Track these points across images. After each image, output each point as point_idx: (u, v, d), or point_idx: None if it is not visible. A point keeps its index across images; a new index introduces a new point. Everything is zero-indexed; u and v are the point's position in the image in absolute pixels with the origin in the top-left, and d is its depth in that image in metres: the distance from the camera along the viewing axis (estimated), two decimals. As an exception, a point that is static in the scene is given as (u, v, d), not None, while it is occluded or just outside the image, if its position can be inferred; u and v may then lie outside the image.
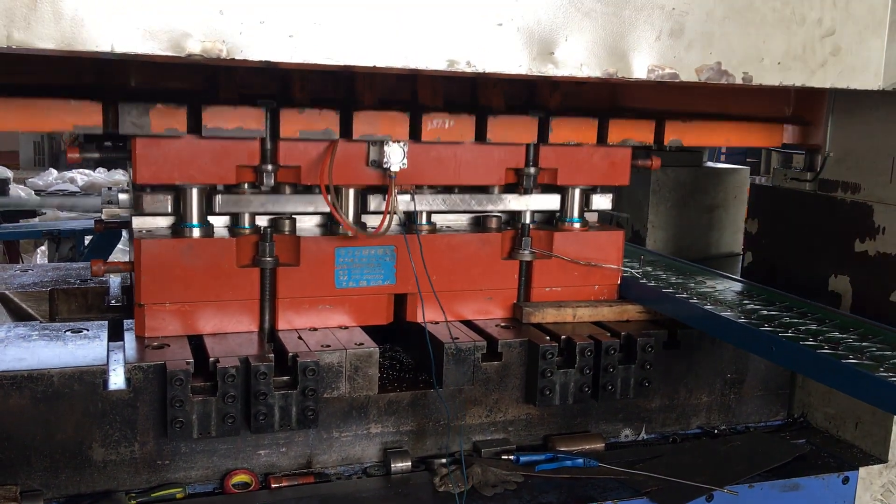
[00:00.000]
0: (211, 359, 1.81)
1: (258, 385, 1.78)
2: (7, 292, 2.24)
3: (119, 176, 8.50)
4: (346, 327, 2.07)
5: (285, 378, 1.84)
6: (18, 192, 5.81)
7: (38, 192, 6.80)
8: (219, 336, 1.96)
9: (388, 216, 2.01)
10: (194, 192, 1.95)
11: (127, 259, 2.73)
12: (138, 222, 2.01)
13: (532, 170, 2.17)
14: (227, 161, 1.93)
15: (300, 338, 1.98)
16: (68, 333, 1.89)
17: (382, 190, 2.08)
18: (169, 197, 1.95)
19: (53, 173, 8.72)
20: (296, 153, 1.97)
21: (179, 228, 1.96)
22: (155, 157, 1.87)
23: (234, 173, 1.94)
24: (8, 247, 4.34)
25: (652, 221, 3.25)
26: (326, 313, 2.06)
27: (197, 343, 1.92)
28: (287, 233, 2.06)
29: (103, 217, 2.01)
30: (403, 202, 2.10)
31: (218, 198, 1.98)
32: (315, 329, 2.04)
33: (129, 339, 1.92)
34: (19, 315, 2.25)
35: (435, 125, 2.00)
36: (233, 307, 1.98)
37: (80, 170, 8.70)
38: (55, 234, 3.90)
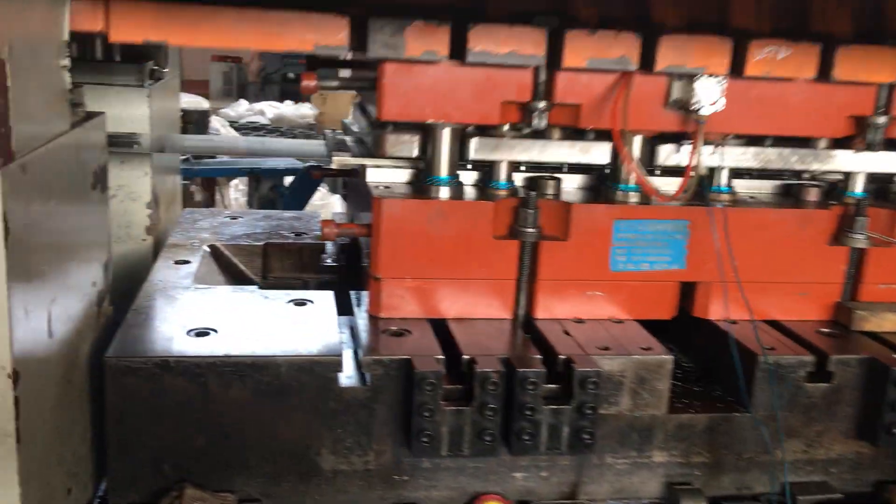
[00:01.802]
0: (464, 356, 1.43)
1: (524, 396, 1.38)
2: (219, 244, 1.97)
3: (306, 109, 8.42)
4: (620, 320, 1.63)
5: (553, 386, 1.43)
6: (215, 123, 5.77)
7: (231, 123, 6.79)
8: (465, 323, 1.57)
9: (690, 175, 1.53)
10: (446, 134, 1.55)
11: (341, 213, 2.42)
12: (374, 174, 1.64)
13: (882, 119, 1.61)
14: (491, 95, 1.51)
15: (566, 332, 1.56)
16: (291, 306, 1.57)
17: (673, 138, 1.60)
18: (416, 139, 1.57)
19: (244, 104, 8.78)
20: (577, 87, 1.52)
21: (424, 185, 1.58)
22: (406, 88, 1.48)
23: (497, 111, 1.53)
24: (205, 183, 4.25)
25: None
26: (596, 302, 1.63)
27: (439, 329, 1.55)
28: (551, 196, 1.63)
29: (332, 164, 1.66)
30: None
31: (472, 142, 1.57)
32: (581, 321, 1.62)
33: (361, 318, 1.57)
34: (230, 271, 1.97)
35: (765, 55, 1.49)
36: (483, 288, 1.59)
37: (270, 101, 8.71)
38: (256, 174, 3.72)
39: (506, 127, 1.59)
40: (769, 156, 1.66)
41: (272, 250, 2.02)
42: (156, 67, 2.08)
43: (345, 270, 2.02)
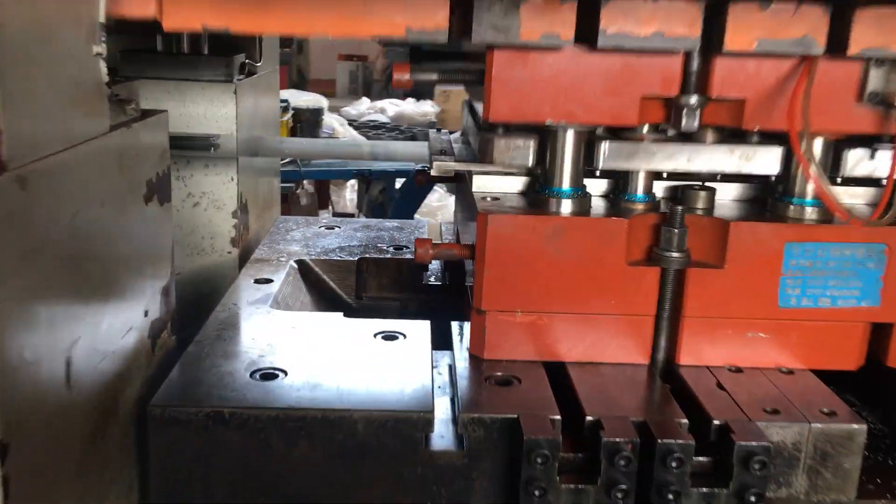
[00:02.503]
0: (588, 417, 1.12)
1: (665, 474, 1.06)
2: (308, 259, 1.75)
3: (427, 107, 8.26)
4: (790, 370, 1.28)
5: (704, 460, 1.11)
6: (332, 121, 5.67)
7: (350, 121, 6.69)
8: (589, 370, 1.27)
9: (891, 189, 1.17)
10: (569, 138, 1.25)
11: (448, 223, 2.15)
12: (480, 182, 1.36)
13: None
14: (628, 89, 1.20)
15: (720, 386, 1.22)
16: (378, 341, 1.31)
17: (864, 141, 1.24)
18: (531, 143, 1.27)
19: (366, 102, 8.72)
20: (741, 78, 1.19)
21: (542, 196, 1.28)
22: (520, 81, 1.19)
23: (635, 109, 1.21)
24: (318, 185, 4.09)
25: None
26: (759, 346, 1.28)
27: (557, 377, 1.25)
28: (702, 211, 1.29)
29: (432, 171, 1.39)
30: None
31: (603, 148, 1.26)
32: (738, 369, 1.28)
33: (461, 359, 1.29)
34: (319, 289, 1.75)
35: None
36: (613, 325, 1.28)
37: (392, 99, 8.60)
38: (366, 175, 3.52)
39: (645, 128, 1.27)
40: None
41: (367, 266, 1.77)
42: (247, 61, 1.88)
43: (449, 290, 1.75)
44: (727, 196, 1.37)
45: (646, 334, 1.28)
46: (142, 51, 1.78)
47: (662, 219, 1.26)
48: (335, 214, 4.32)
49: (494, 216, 1.24)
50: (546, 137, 1.27)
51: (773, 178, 1.31)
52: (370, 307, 1.80)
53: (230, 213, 1.79)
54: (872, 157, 1.25)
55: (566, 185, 1.27)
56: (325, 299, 1.74)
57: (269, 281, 1.59)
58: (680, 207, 1.24)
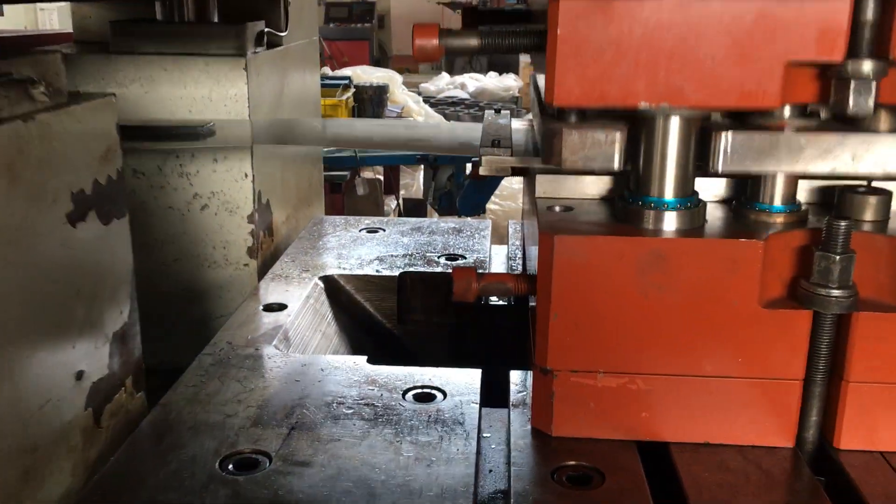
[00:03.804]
0: (705, 548, 0.74)
1: None
2: (337, 275, 1.41)
3: (510, 81, 7.83)
4: None
5: None
6: (406, 99, 5.32)
7: (427, 98, 6.33)
8: (704, 455, 0.88)
9: None
10: (675, 128, 0.86)
11: (518, 224, 1.77)
12: (546, 183, 0.99)
13: None
14: (766, 54, 0.79)
15: (906, 490, 0.82)
16: (409, 403, 0.96)
17: None
18: (616, 137, 0.88)
19: (445, 78, 8.34)
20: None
21: (634, 207, 0.89)
22: (597, 45, 0.80)
23: (777, 82, 0.80)
24: (389, 169, 3.74)
25: None
26: (962, 425, 0.87)
27: (656, 462, 0.87)
28: (871, 226, 0.88)
29: (481, 168, 1.02)
30: None
31: (724, 141, 0.86)
32: (925, 458, 0.87)
33: (520, 438, 0.92)
34: (351, 313, 1.41)
35: None
36: (740, 392, 0.88)
37: (473, 74, 8.20)
38: (431, 161, 3.16)
39: (786, 112, 0.87)
40: None
41: (411, 283, 1.42)
42: (268, 30, 1.54)
43: (516, 311, 1.39)
44: (900, 200, 0.95)
45: (790, 406, 0.88)
46: (137, 21, 1.47)
47: (813, 238, 0.86)
48: (405, 201, 3.99)
49: (564, 238, 0.86)
50: (639, 127, 0.88)
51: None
52: (415, 334, 1.45)
53: (245, 218, 1.47)
54: None
55: (669, 194, 0.87)
56: (357, 325, 1.40)
57: (282, 307, 1.25)
58: (843, 222, 0.83)
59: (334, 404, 0.95)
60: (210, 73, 1.39)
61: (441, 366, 1.08)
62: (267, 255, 1.56)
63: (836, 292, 0.84)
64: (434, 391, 0.99)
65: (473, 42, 0.91)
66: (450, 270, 1.43)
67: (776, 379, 0.87)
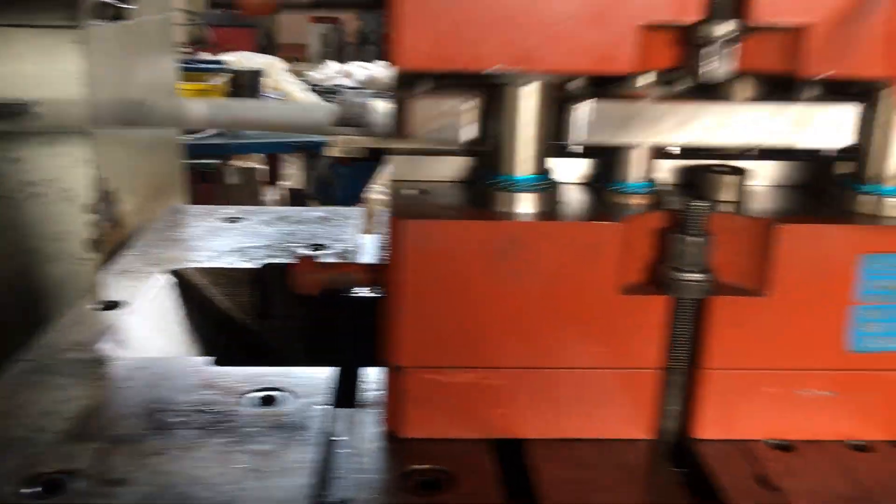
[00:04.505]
0: (559, 553, 0.69)
1: None
2: (188, 269, 1.29)
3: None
4: (864, 446, 0.85)
5: None
6: (291, 87, 5.15)
7: (314, 86, 6.16)
8: (560, 450, 0.83)
9: None
10: (528, 95, 0.80)
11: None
12: (402, 165, 0.92)
13: None
14: (619, 15, 0.74)
15: (762, 480, 0.79)
16: (248, 410, 0.87)
17: None
18: (468, 106, 0.81)
19: (333, 66, 8.16)
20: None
21: (489, 188, 0.83)
22: (441, 4, 0.74)
23: (631, 47, 0.76)
24: (270, 157, 3.57)
25: None
26: (817, 409, 0.85)
27: (512, 461, 0.82)
28: (730, 207, 0.86)
29: (332, 150, 0.95)
30: None
31: (579, 112, 0.81)
32: (785, 446, 0.85)
33: (369, 441, 0.85)
34: (204, 310, 1.30)
35: None
36: (596, 384, 0.84)
37: (360, 62, 8.05)
38: (310, 148, 3.02)
39: (645, 79, 0.83)
40: None
41: (273, 275, 1.32)
42: (112, 1, 1.40)
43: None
44: (762, 180, 0.93)
45: (648, 396, 0.85)
46: (-46, -13, 1.31)
47: (673, 220, 0.82)
48: (289, 192, 3.85)
49: (415, 223, 0.79)
50: (494, 96, 0.82)
51: (835, 155, 0.87)
52: (278, 330, 1.36)
53: (84, 207, 1.33)
54: None
55: (524, 171, 0.82)
56: (212, 324, 1.30)
57: (120, 305, 1.14)
58: (700, 203, 0.80)
59: (162, 412, 0.85)
60: (39, 47, 1.25)
61: (306, 364, 0.99)
62: (114, 248, 1.42)
63: (693, 276, 0.81)
64: (280, 393, 0.91)
65: None
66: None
67: (634, 368, 0.84)
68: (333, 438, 0.87)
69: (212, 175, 3.03)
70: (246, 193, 3.13)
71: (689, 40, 0.77)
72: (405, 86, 0.84)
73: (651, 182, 0.87)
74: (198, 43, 4.70)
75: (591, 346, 0.82)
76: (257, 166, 3.47)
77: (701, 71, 0.77)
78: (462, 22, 0.74)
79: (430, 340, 0.82)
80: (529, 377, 0.83)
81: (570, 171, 0.92)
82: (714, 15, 0.75)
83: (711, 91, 0.82)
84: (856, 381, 0.84)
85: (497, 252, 0.79)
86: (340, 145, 0.95)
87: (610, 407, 0.85)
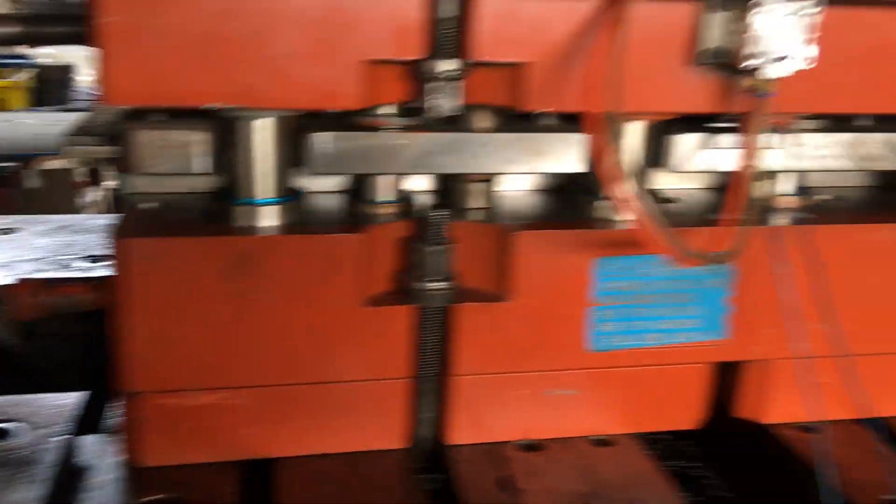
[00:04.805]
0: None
1: None
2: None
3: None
4: (606, 440, 0.89)
5: None
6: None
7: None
8: (309, 466, 0.82)
9: (745, 188, 0.78)
10: (261, 130, 0.78)
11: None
12: (140, 179, 0.87)
13: None
14: (340, 50, 0.73)
15: (506, 482, 0.81)
16: (-27, 446, 0.80)
17: (702, 124, 0.84)
18: (202, 137, 0.78)
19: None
20: (516, 31, 0.75)
21: (224, 203, 0.80)
22: (153, 39, 0.70)
23: (356, 83, 0.74)
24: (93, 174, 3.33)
25: None
26: (562, 408, 0.88)
27: (257, 485, 0.80)
28: (478, 215, 0.87)
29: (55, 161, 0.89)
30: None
31: (312, 144, 0.79)
32: (533, 446, 0.87)
33: (106, 475, 0.81)
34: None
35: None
36: (345, 397, 0.83)
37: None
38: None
39: (389, 109, 0.81)
40: (871, 148, 0.89)
41: (25, 295, 1.23)
42: None
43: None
44: (519, 185, 0.95)
45: (399, 406, 0.85)
46: None
47: (417, 230, 0.82)
48: (114, 195, 3.63)
49: (138, 242, 0.75)
50: (227, 127, 0.78)
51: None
52: (44, 350, 1.27)
53: None
54: (714, 143, 0.85)
55: (265, 195, 0.79)
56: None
57: None
58: (438, 211, 0.80)
59: None
60: None
61: (73, 388, 0.93)
62: None
63: (436, 285, 0.81)
64: (15, 424, 0.84)
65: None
66: (86, 275, 1.26)
67: (383, 379, 0.83)
68: (73, 469, 0.82)
69: (8, 179, 2.81)
70: (55, 198, 2.92)
71: (416, 76, 0.76)
72: (135, 116, 0.79)
73: (404, 191, 0.86)
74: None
75: (338, 359, 0.81)
76: (75, 167, 3.25)
77: (427, 105, 0.76)
78: (177, 58, 0.70)
79: (167, 363, 0.78)
80: (275, 395, 0.81)
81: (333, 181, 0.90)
82: (438, 52, 0.74)
83: (455, 121, 0.82)
84: (596, 379, 0.87)
85: (231, 268, 0.76)
86: (70, 155, 0.88)
87: (361, 419, 0.84)
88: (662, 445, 0.99)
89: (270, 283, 0.77)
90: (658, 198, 0.90)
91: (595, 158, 0.74)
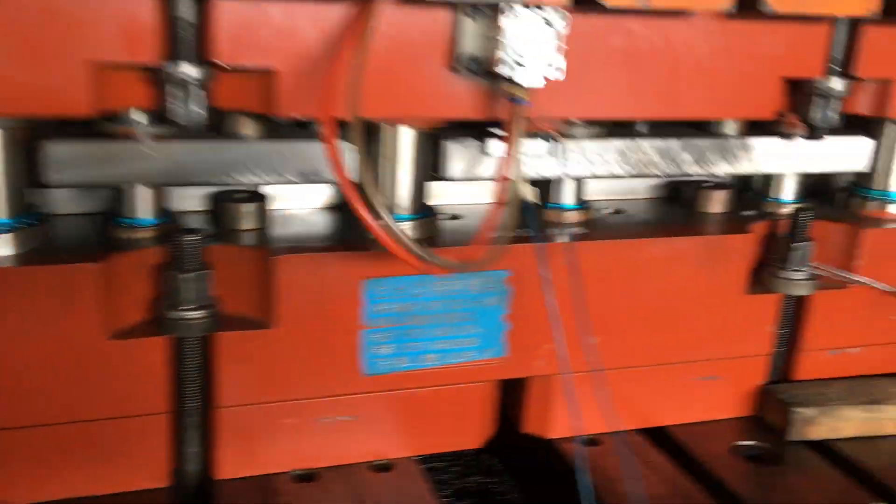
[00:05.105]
0: None
1: None
2: None
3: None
4: (387, 465, 0.87)
5: None
6: None
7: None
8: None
9: (504, 195, 0.77)
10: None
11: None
12: None
13: (839, 84, 0.90)
14: (62, 54, 0.67)
15: (273, 517, 0.77)
16: None
17: (473, 131, 0.83)
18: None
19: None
20: (265, 33, 0.71)
21: (-45, 231, 0.73)
22: None
23: (81, 87, 0.68)
24: None
25: None
26: (339, 435, 0.85)
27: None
28: (247, 236, 0.83)
29: None
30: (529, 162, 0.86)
31: (49, 150, 0.74)
32: (308, 476, 0.84)
33: None
34: None
35: (643, -35, 0.74)
36: (101, 435, 0.78)
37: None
38: None
39: (140, 116, 0.76)
40: (645, 154, 0.91)
41: None
42: None
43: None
44: (301, 204, 0.92)
45: (158, 442, 0.80)
46: None
47: (167, 256, 0.77)
48: None
49: None
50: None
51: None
52: None
53: None
54: (483, 151, 0.84)
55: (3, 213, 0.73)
56: None
57: None
58: (191, 237, 0.76)
59: None
60: None
61: None
62: None
63: (192, 314, 0.76)
64: None
65: None
66: None
67: (139, 416, 0.78)
68: None
69: None
70: None
71: (158, 81, 0.72)
72: None
73: (163, 217, 0.82)
74: None
75: (86, 397, 0.75)
76: None
77: (169, 111, 0.72)
78: None
79: None
80: (22, 437, 0.75)
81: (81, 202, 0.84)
82: (179, 55, 0.70)
83: (218, 129, 0.78)
84: (373, 403, 0.85)
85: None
86: None
87: (119, 458, 0.78)
88: (464, 462, 0.99)
89: (3, 317, 0.71)
90: (438, 214, 0.89)
91: (333, 168, 0.71)
